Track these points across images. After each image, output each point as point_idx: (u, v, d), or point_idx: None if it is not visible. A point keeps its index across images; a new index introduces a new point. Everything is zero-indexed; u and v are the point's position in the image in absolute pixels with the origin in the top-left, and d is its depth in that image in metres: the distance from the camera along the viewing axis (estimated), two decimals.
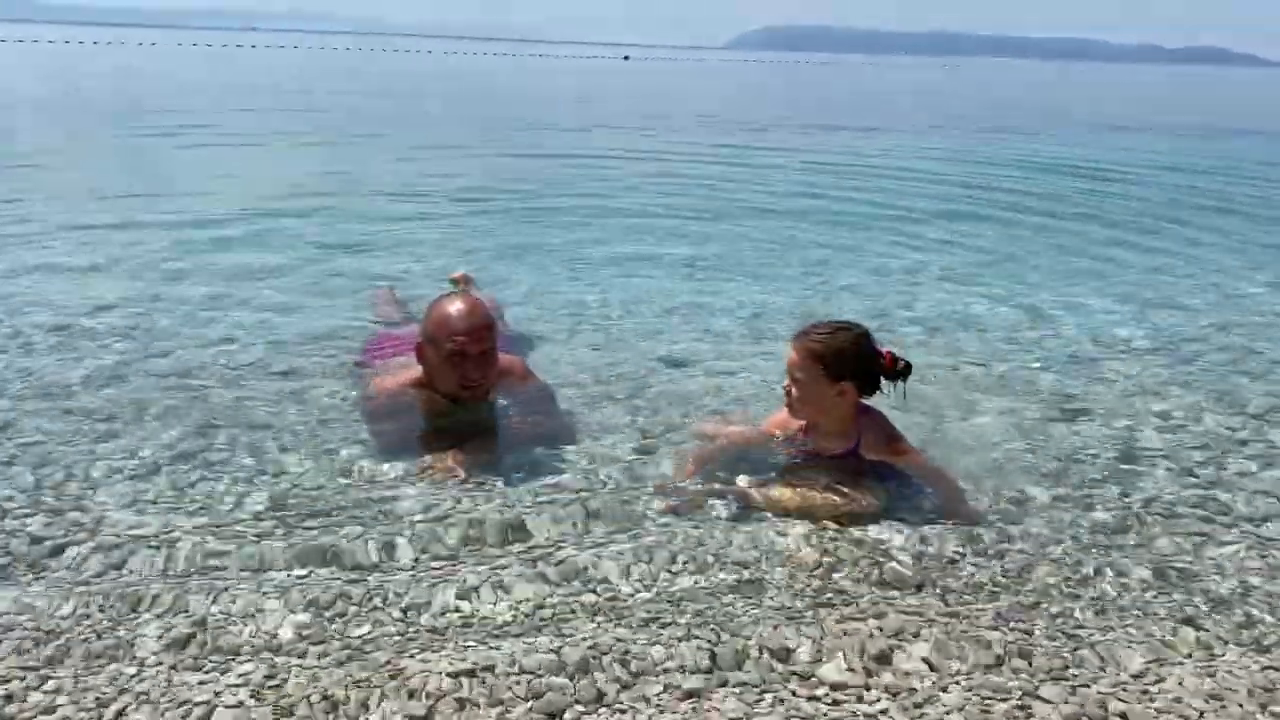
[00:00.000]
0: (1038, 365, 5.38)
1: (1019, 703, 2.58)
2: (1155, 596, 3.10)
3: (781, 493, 3.62)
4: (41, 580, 2.99)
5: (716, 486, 3.68)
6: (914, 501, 3.64)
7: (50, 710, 2.42)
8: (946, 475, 3.74)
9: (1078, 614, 2.99)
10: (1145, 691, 2.63)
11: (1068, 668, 2.72)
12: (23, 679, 2.53)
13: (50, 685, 2.51)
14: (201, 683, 2.54)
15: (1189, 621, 2.96)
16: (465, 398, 4.12)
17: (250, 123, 20.72)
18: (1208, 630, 2.92)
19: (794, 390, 3.64)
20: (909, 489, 3.71)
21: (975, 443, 4.26)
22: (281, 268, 7.18)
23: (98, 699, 2.46)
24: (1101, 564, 3.28)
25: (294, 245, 8.00)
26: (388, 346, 4.88)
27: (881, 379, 3.62)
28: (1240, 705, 2.59)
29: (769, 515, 3.51)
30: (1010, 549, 3.36)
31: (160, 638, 2.72)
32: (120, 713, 2.42)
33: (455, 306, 4.04)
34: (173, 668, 2.60)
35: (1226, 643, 2.87)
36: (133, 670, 2.58)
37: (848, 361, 3.55)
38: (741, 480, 3.73)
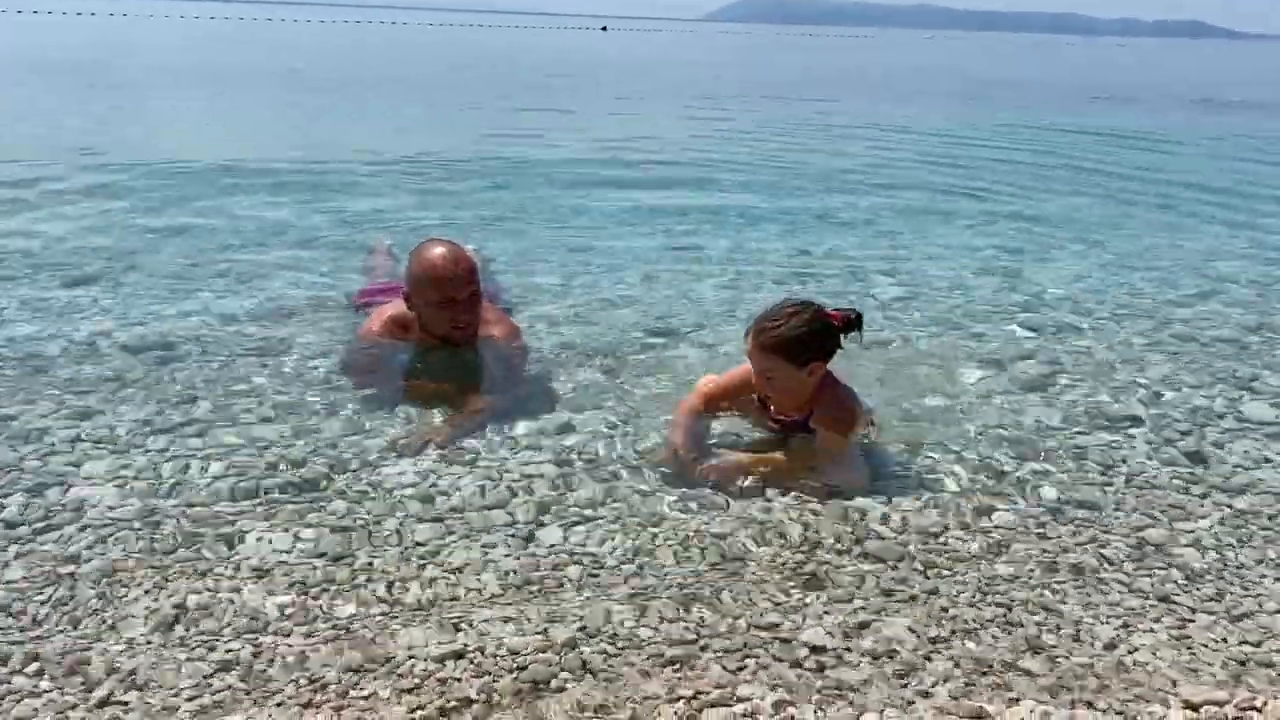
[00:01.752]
0: (1018, 335, 5.41)
1: (1000, 674, 2.61)
2: (1133, 569, 3.14)
3: (770, 461, 3.66)
4: (22, 560, 2.96)
5: (710, 461, 3.68)
6: (895, 474, 3.67)
7: (36, 694, 2.42)
8: (853, 464, 3.70)
9: (1056, 586, 3.03)
10: (1121, 663, 2.68)
11: (1047, 640, 2.76)
12: (5, 663, 2.52)
13: (33, 668, 2.51)
14: (189, 660, 2.54)
15: (1165, 594, 3.00)
16: (456, 339, 4.29)
17: (217, 90, 20.43)
18: (1183, 602, 2.97)
19: (768, 387, 3.69)
20: (886, 463, 3.76)
21: (954, 412, 4.29)
22: (259, 236, 7.11)
23: (83, 682, 2.46)
24: (1081, 536, 3.32)
25: (271, 214, 7.91)
26: (378, 295, 4.95)
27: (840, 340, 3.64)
28: (1214, 676, 2.64)
29: (752, 489, 3.53)
30: (990, 522, 3.40)
31: (145, 619, 2.71)
32: (108, 695, 2.42)
33: (439, 253, 4.17)
34: (161, 647, 2.60)
35: (1200, 614, 2.91)
36: (119, 649, 2.58)
37: (808, 344, 3.55)
38: (733, 455, 3.73)
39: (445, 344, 4.35)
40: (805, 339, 3.54)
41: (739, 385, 3.95)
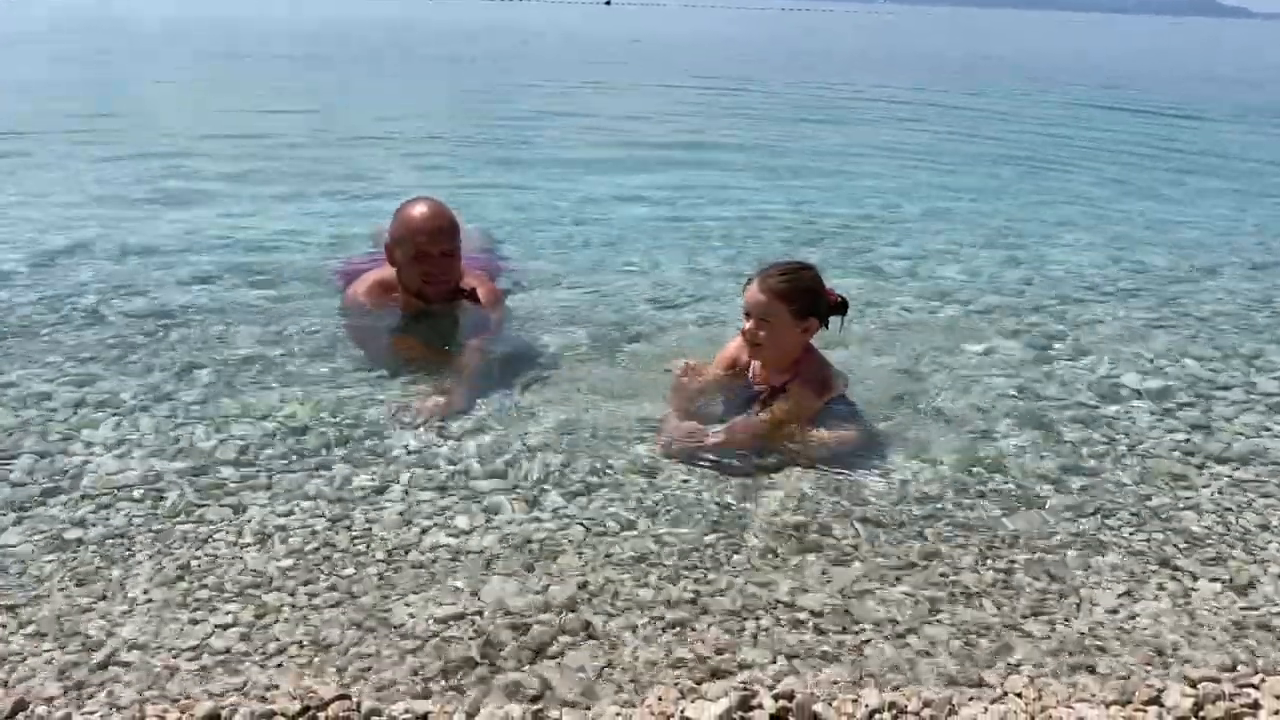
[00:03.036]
0: (1022, 306, 5.39)
1: (1001, 637, 2.62)
2: (1134, 534, 3.14)
3: (759, 426, 3.65)
4: (22, 525, 2.97)
5: (704, 435, 3.66)
6: (895, 442, 3.67)
7: (37, 654, 2.43)
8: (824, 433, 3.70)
9: (1058, 552, 3.03)
10: (1122, 627, 2.68)
11: (1048, 604, 2.77)
12: (5, 625, 2.52)
13: (32, 629, 2.51)
14: (191, 622, 2.55)
15: (1166, 560, 3.01)
16: (430, 295, 4.35)
17: (219, 63, 20.34)
18: (1184, 568, 2.97)
19: (761, 332, 3.67)
20: (880, 425, 3.77)
21: (957, 383, 4.28)
22: (259, 206, 7.09)
23: (84, 643, 2.47)
24: (1082, 504, 3.32)
25: (271, 184, 7.89)
26: (362, 265, 4.99)
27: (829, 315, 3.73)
28: (1214, 639, 2.64)
29: (750, 456, 3.53)
30: (990, 489, 3.40)
31: (148, 580, 2.72)
32: (110, 655, 2.43)
33: (419, 209, 4.25)
34: (163, 607, 2.61)
35: (1201, 579, 2.92)
36: (121, 610, 2.59)
37: (813, 300, 3.64)
38: (726, 427, 3.72)
39: (423, 302, 4.40)
40: (809, 293, 3.63)
41: (729, 358, 3.99)
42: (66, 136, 9.91)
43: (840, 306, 3.72)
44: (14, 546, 2.86)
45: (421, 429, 3.69)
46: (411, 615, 2.63)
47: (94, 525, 2.98)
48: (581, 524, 3.10)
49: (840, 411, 3.77)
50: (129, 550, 2.86)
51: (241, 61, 21.46)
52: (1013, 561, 2.97)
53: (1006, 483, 3.44)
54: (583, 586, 2.77)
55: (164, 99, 14.46)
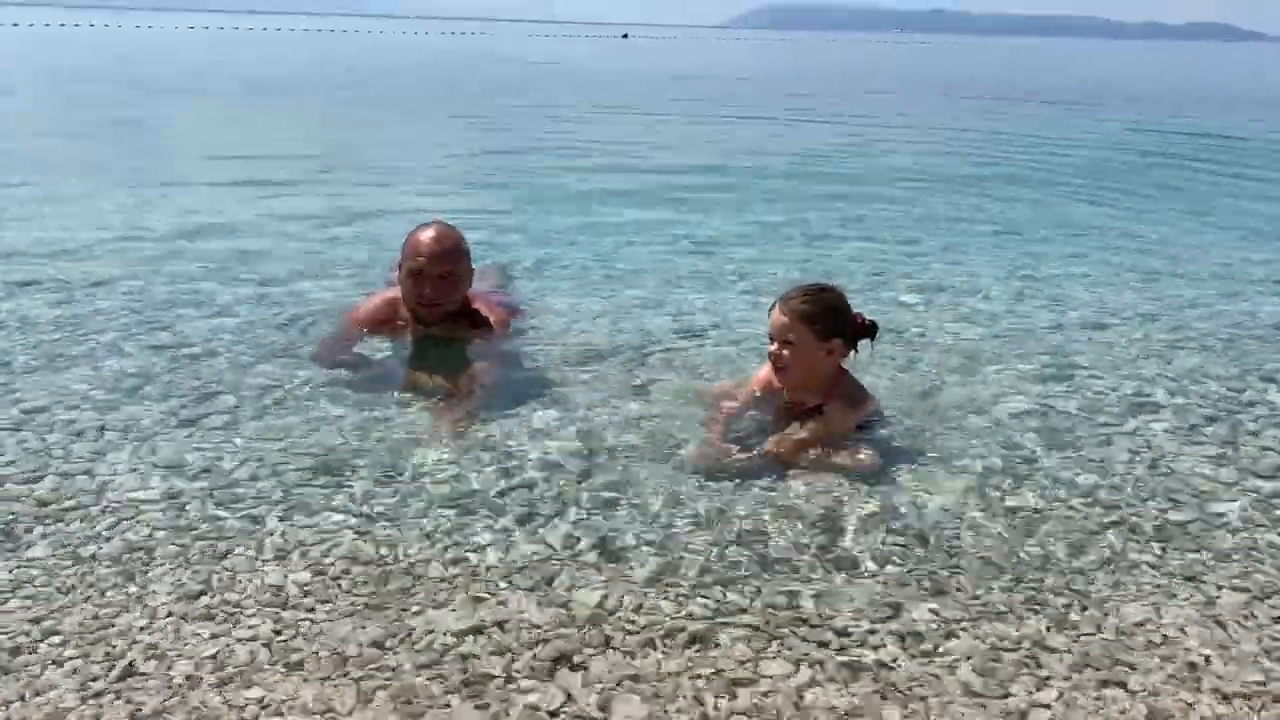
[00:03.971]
0: (1042, 329, 5.37)
1: (1027, 652, 2.58)
2: (1161, 550, 3.11)
3: (793, 444, 3.66)
4: (47, 540, 2.99)
5: (743, 455, 3.64)
6: (918, 460, 3.65)
7: (59, 662, 2.43)
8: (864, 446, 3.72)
9: (1083, 567, 2.99)
10: (1151, 641, 2.64)
11: (1074, 619, 2.73)
12: (29, 633, 2.53)
13: (58, 639, 2.52)
14: (212, 635, 2.55)
15: (1194, 574, 2.97)
16: (424, 316, 4.50)
17: (245, 100, 20.65)
18: (1211, 581, 2.93)
19: (786, 353, 3.69)
20: (902, 442, 3.77)
21: (979, 403, 4.26)
22: (282, 240, 7.16)
23: (107, 652, 2.47)
24: (1107, 519, 3.29)
25: (295, 218, 7.98)
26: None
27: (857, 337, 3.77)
28: (1245, 652, 2.60)
29: (775, 472, 3.52)
30: (1015, 505, 3.37)
31: (169, 593, 2.73)
32: (130, 664, 2.43)
33: (426, 232, 4.41)
34: (183, 620, 2.61)
35: (1228, 591, 2.88)
36: (142, 623, 2.59)
37: (836, 320, 3.69)
38: (768, 443, 3.71)
39: (422, 325, 4.55)
40: (832, 313, 3.67)
41: (764, 380, 4.00)
42: (89, 172, 10.06)
43: (869, 329, 3.75)
44: (38, 559, 2.87)
45: (442, 444, 3.70)
46: (431, 629, 2.62)
47: (115, 540, 2.99)
48: (602, 539, 3.09)
49: (872, 434, 3.80)
50: (149, 565, 2.87)
51: (263, 96, 21.75)
52: (1038, 577, 2.94)
53: (1030, 499, 3.42)
54: (603, 601, 2.76)
55: (187, 134, 14.67)
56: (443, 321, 4.57)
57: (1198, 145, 15.92)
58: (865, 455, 3.61)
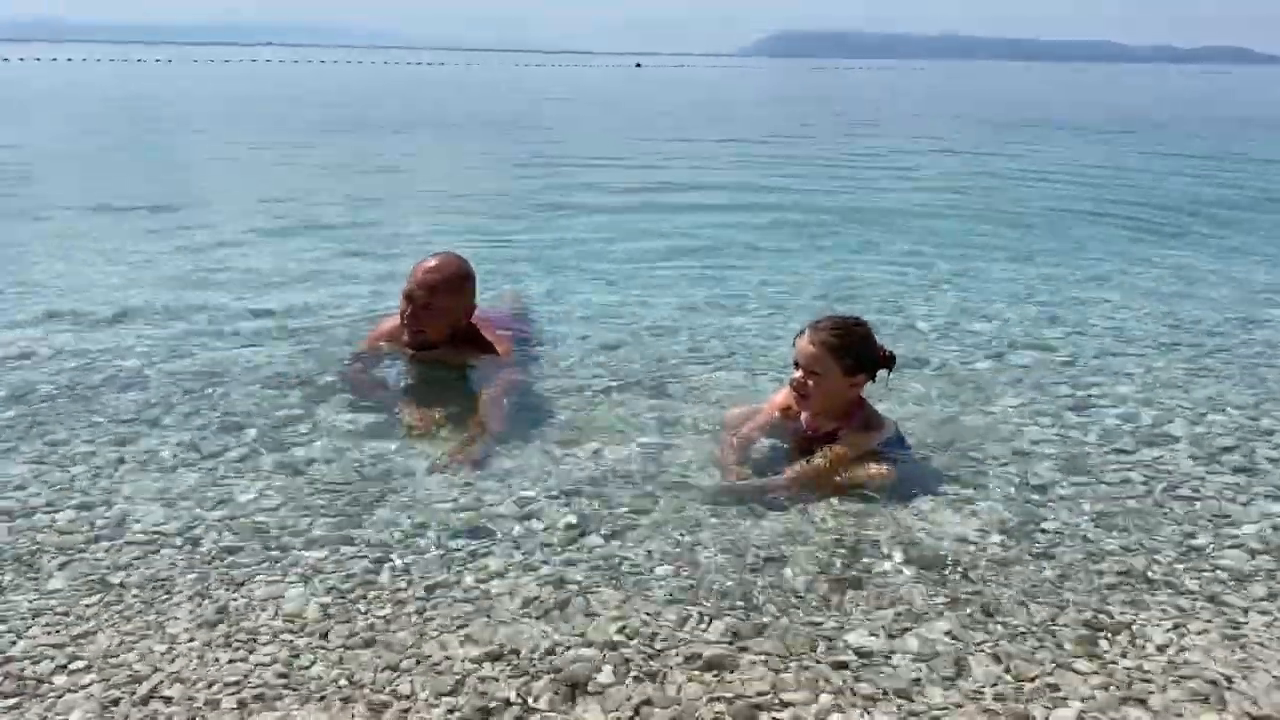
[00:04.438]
0: (1059, 359, 5.35)
1: (1049, 675, 2.56)
2: (1181, 572, 3.08)
3: (812, 471, 3.67)
4: (68, 570, 3.01)
5: (758, 480, 3.68)
6: (937, 487, 3.64)
7: (79, 688, 2.44)
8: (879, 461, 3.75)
9: (1103, 589, 2.97)
10: (1173, 662, 2.62)
11: (1095, 642, 2.71)
12: (52, 658, 2.55)
13: (79, 664, 2.53)
14: (231, 661, 2.55)
15: (1215, 595, 2.95)
16: (409, 338, 4.60)
17: (282, 133, 20.88)
18: (1234, 604, 2.90)
19: (809, 382, 3.70)
20: (927, 476, 3.74)
21: (998, 431, 4.24)
22: (303, 273, 7.23)
23: (129, 676, 2.48)
24: (1126, 543, 3.27)
25: (316, 251, 8.05)
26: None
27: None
28: (1269, 673, 2.57)
29: (793, 498, 3.52)
30: (1035, 529, 3.36)
31: (188, 620, 2.74)
32: (152, 690, 2.44)
33: (428, 261, 4.55)
34: (204, 646, 2.62)
35: (1252, 613, 2.86)
36: (162, 650, 2.60)
37: (863, 355, 3.70)
38: (786, 470, 3.73)
39: (410, 346, 4.65)
40: (860, 348, 3.69)
41: (781, 404, 4.00)
42: (112, 208, 10.19)
43: (889, 361, 3.77)
44: (60, 590, 2.89)
45: (457, 472, 3.73)
46: (448, 655, 2.62)
47: (136, 569, 3.01)
48: (619, 564, 3.09)
49: (890, 454, 3.79)
50: (169, 593, 2.89)
51: (279, 131, 21.98)
52: (1058, 600, 2.92)
53: (1049, 523, 3.40)
54: (621, 626, 2.75)
55: (209, 170, 14.84)
56: (423, 348, 4.65)
57: (1218, 168, 15.91)
58: (877, 469, 3.63)
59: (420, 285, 4.47)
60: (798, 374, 3.73)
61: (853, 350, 3.67)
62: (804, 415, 3.87)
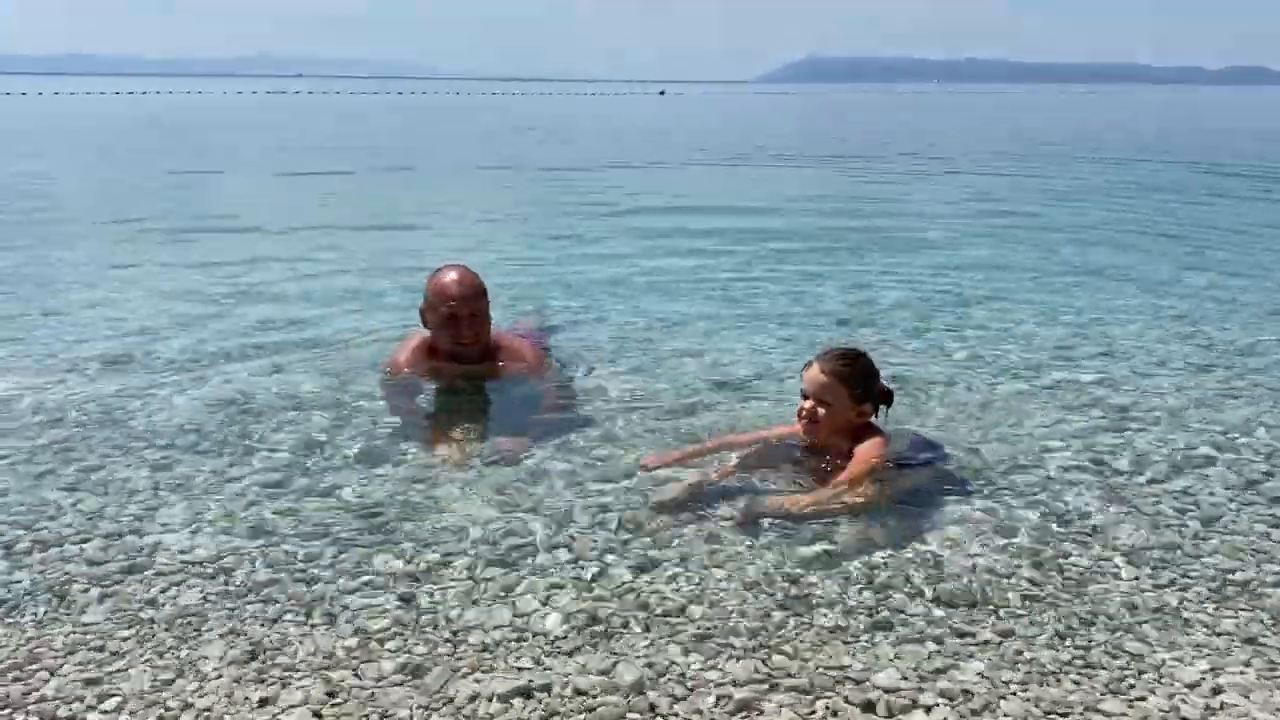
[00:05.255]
0: (1089, 381, 5.30)
1: (1080, 716, 2.53)
2: (1216, 610, 3.04)
3: (803, 497, 3.71)
4: (102, 604, 3.03)
5: (781, 500, 3.71)
6: (966, 518, 3.61)
7: None
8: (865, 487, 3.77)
9: (1137, 628, 2.94)
10: (1208, 705, 2.58)
11: (1128, 681, 2.68)
12: (83, 698, 2.57)
13: (112, 703, 2.55)
14: (263, 700, 2.57)
15: (1252, 636, 2.90)
16: (460, 354, 4.73)
17: (309, 159, 21.09)
18: (1272, 644, 2.86)
19: (821, 410, 3.82)
20: (950, 500, 3.74)
21: (1027, 458, 4.21)
22: (332, 296, 7.29)
23: (161, 717, 2.50)
24: (1160, 578, 3.23)
25: (346, 274, 8.12)
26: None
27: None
28: None
29: (817, 530, 3.50)
30: (1065, 564, 3.32)
31: (220, 657, 2.75)
32: None
33: (449, 276, 4.67)
34: (236, 682, 2.64)
35: None
36: (194, 687, 2.62)
37: (869, 384, 3.87)
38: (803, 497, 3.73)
39: (458, 363, 4.78)
40: (866, 378, 3.87)
41: (781, 435, 4.13)
42: (141, 235, 10.33)
43: (888, 398, 3.95)
44: (95, 624, 2.92)
45: (486, 502, 3.75)
46: (477, 693, 2.62)
47: (168, 604, 3.03)
48: (647, 600, 3.08)
49: (919, 459, 3.93)
50: (202, 627, 2.90)
51: (306, 156, 22.20)
52: (1090, 637, 2.88)
53: (1081, 557, 3.36)
54: (649, 665, 2.74)
55: (236, 197, 15.01)
56: (473, 360, 4.80)
57: (1250, 186, 15.76)
58: (886, 484, 3.72)
59: (463, 298, 4.62)
60: (807, 404, 3.85)
61: (860, 379, 3.84)
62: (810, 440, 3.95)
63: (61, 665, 2.72)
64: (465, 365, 4.81)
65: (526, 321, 6.21)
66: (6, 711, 2.52)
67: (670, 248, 9.80)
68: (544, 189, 16.01)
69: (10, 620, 2.94)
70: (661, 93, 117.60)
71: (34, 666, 2.71)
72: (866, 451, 3.80)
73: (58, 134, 31.21)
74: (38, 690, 2.61)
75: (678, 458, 4.11)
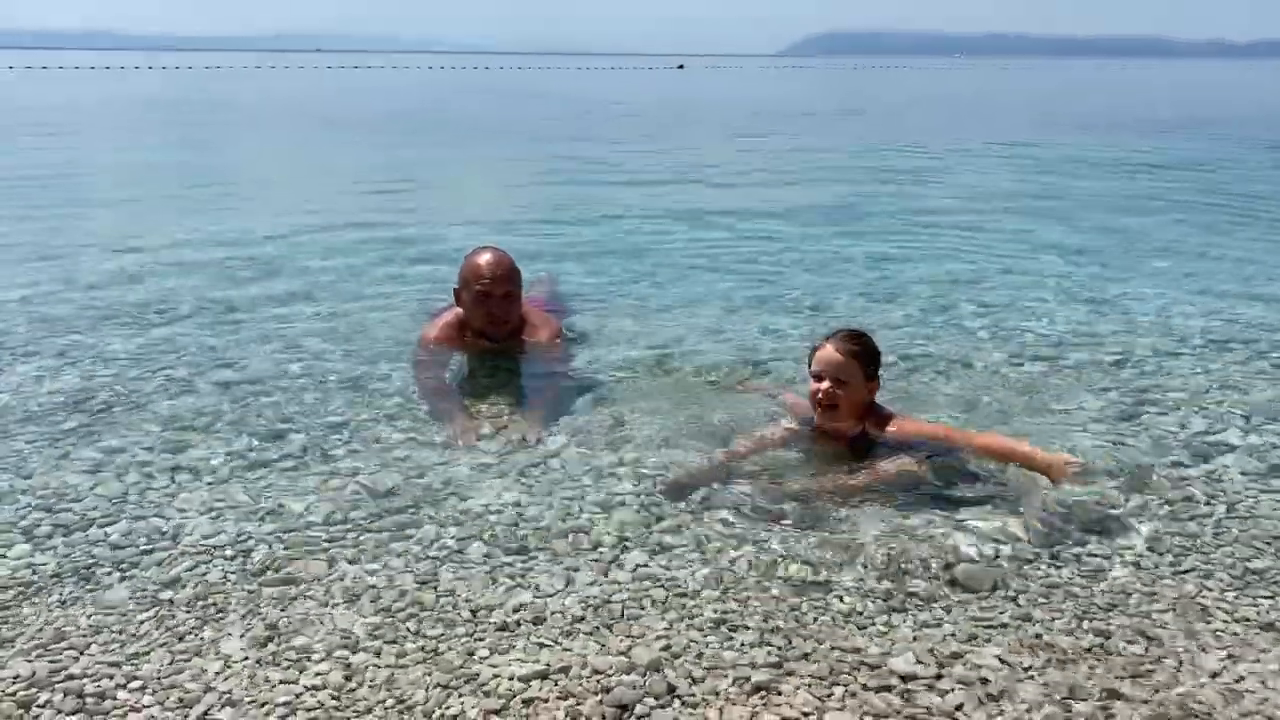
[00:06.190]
0: (1111, 362, 5.26)
1: (1100, 702, 2.53)
2: (1237, 597, 3.02)
3: (826, 481, 3.72)
4: (125, 585, 3.07)
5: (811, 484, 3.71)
6: (984, 503, 3.60)
7: (138, 709, 2.49)
8: (926, 430, 3.98)
9: (1156, 614, 2.92)
10: (1230, 691, 2.57)
11: (1147, 668, 2.67)
12: (111, 677, 2.61)
13: (136, 684, 2.58)
14: (283, 681, 2.59)
15: (1272, 623, 2.88)
16: (493, 333, 4.93)
17: (329, 134, 21.10)
18: None
19: (839, 391, 3.83)
20: (969, 484, 3.73)
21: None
22: (349, 277, 7.30)
23: (181, 698, 2.53)
24: (1180, 565, 3.21)
25: (361, 255, 8.12)
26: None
27: None
28: None
29: (835, 515, 3.50)
30: (1085, 550, 3.30)
31: (241, 638, 2.78)
32: (205, 712, 2.48)
33: (483, 257, 4.86)
34: (256, 664, 2.67)
35: None
36: (216, 669, 2.65)
37: (877, 361, 3.94)
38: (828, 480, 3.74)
39: (489, 340, 4.96)
40: (875, 354, 3.92)
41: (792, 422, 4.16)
42: (163, 210, 10.37)
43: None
44: (115, 606, 2.95)
45: (504, 483, 3.76)
46: (496, 675, 2.64)
47: (188, 585, 3.06)
48: (663, 584, 3.09)
49: (937, 472, 3.82)
50: (222, 609, 2.93)
51: (331, 134, 22.23)
52: (1108, 623, 2.87)
53: (1101, 543, 3.34)
54: (666, 648, 2.76)
55: (259, 172, 15.04)
56: (505, 339, 5.00)
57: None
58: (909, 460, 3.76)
59: (496, 279, 4.81)
60: (825, 385, 3.84)
61: (871, 356, 3.90)
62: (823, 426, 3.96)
63: (89, 645, 2.75)
64: (494, 343, 4.98)
65: (539, 286, 6.24)
66: (33, 691, 2.55)
67: (693, 222, 9.78)
68: (562, 167, 15.94)
69: (35, 600, 2.97)
70: (680, 67, 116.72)
71: (62, 644, 2.75)
72: (908, 422, 3.94)
73: (67, 109, 31.30)
74: (66, 669, 2.65)
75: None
